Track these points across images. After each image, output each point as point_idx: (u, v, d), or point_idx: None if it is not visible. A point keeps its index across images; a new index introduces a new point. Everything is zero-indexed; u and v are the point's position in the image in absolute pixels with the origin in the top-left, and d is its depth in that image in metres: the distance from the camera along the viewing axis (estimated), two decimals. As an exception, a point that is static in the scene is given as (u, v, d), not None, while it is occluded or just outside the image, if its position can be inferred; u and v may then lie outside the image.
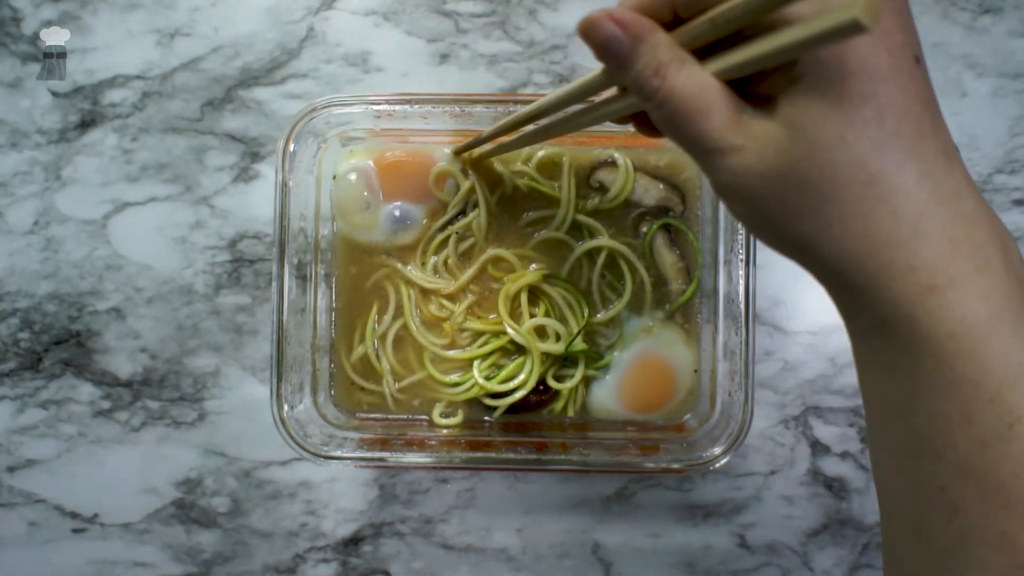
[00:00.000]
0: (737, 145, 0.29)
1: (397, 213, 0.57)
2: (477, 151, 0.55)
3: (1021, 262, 0.29)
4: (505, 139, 0.52)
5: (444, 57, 0.62)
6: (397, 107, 0.53)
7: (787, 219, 0.29)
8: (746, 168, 0.29)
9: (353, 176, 0.57)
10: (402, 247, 0.57)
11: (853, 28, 0.24)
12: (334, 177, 0.57)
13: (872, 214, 0.27)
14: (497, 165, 0.56)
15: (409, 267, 0.57)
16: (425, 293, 0.57)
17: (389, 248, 0.57)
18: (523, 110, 0.45)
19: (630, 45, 0.29)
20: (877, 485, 0.33)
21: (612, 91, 0.37)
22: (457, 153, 0.56)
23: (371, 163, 0.57)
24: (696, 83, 0.29)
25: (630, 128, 0.56)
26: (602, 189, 0.56)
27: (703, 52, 0.30)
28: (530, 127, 0.48)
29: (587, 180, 0.57)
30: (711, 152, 0.30)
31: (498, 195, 0.57)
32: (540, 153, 0.57)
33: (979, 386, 0.27)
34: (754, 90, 0.30)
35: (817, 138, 0.27)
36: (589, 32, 0.30)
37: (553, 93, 0.41)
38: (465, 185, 0.56)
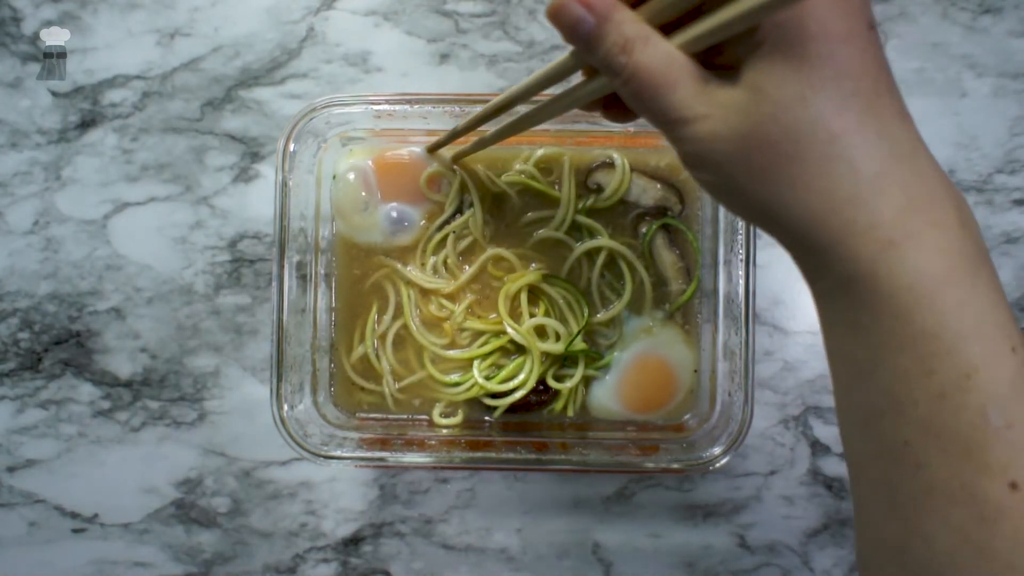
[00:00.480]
0: (703, 113, 0.30)
1: (395, 214, 0.57)
2: (456, 150, 0.55)
3: (974, 220, 0.30)
4: (470, 137, 0.52)
5: (444, 57, 0.62)
6: (397, 107, 0.53)
7: (752, 182, 0.30)
8: (713, 134, 0.30)
9: (352, 176, 0.57)
10: (401, 248, 0.57)
11: None
12: (334, 177, 0.57)
13: (833, 171, 0.28)
14: (480, 168, 0.56)
15: (409, 267, 0.57)
16: (425, 293, 0.57)
17: (388, 249, 0.57)
18: (493, 101, 0.45)
19: (596, 25, 0.30)
20: (845, 450, 0.33)
21: (580, 77, 0.37)
22: (431, 151, 0.56)
23: (369, 163, 0.57)
24: (662, 57, 0.30)
25: (629, 128, 0.56)
26: (599, 191, 0.56)
27: (671, 27, 0.31)
28: (505, 120, 0.47)
29: (584, 183, 0.57)
30: (678, 123, 0.30)
31: (491, 194, 0.57)
32: (540, 152, 0.57)
33: (937, 338, 0.28)
34: (719, 61, 0.31)
35: (779, 98, 0.28)
36: (557, 15, 0.31)
37: (522, 81, 0.41)
38: (455, 184, 0.56)
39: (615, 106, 0.38)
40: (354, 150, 0.57)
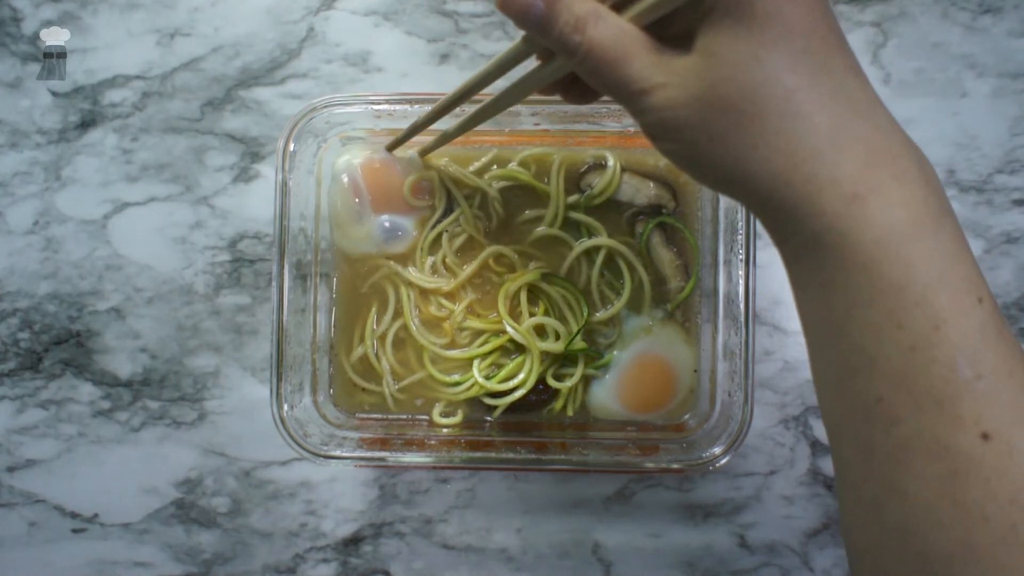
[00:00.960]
0: (661, 82, 0.30)
1: (387, 225, 0.57)
2: (420, 146, 0.55)
3: (935, 174, 0.30)
4: (429, 135, 0.52)
5: (444, 57, 0.62)
6: (397, 107, 0.53)
7: (715, 145, 0.30)
8: (672, 101, 0.30)
9: (345, 179, 0.56)
10: (399, 255, 0.57)
11: None
12: (333, 177, 0.57)
13: (793, 128, 0.28)
14: (453, 165, 0.57)
15: (408, 268, 0.57)
16: (424, 293, 0.57)
17: (386, 256, 0.57)
18: (448, 94, 0.45)
19: (546, 7, 0.31)
20: (823, 415, 0.33)
21: (535, 62, 0.38)
22: (389, 149, 0.56)
23: (359, 171, 0.56)
24: (615, 32, 0.31)
25: (629, 128, 0.56)
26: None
27: (621, 7, 0.31)
28: (467, 111, 0.48)
29: (578, 185, 0.57)
30: (637, 94, 0.31)
31: (480, 191, 0.57)
32: (528, 152, 0.56)
33: (905, 290, 0.28)
34: (672, 32, 0.31)
35: (733, 59, 0.28)
36: (507, 4, 0.31)
37: (476, 71, 0.41)
38: (437, 183, 0.56)
39: (574, 88, 0.38)
40: (352, 148, 0.57)
